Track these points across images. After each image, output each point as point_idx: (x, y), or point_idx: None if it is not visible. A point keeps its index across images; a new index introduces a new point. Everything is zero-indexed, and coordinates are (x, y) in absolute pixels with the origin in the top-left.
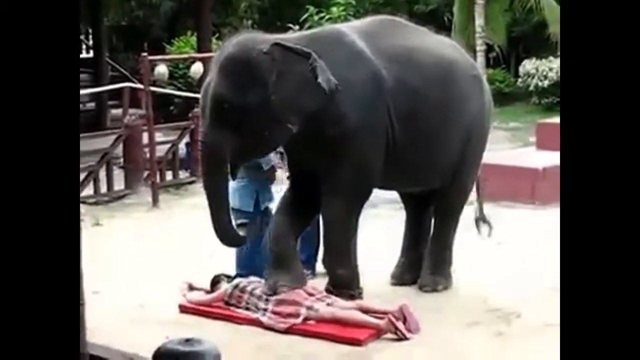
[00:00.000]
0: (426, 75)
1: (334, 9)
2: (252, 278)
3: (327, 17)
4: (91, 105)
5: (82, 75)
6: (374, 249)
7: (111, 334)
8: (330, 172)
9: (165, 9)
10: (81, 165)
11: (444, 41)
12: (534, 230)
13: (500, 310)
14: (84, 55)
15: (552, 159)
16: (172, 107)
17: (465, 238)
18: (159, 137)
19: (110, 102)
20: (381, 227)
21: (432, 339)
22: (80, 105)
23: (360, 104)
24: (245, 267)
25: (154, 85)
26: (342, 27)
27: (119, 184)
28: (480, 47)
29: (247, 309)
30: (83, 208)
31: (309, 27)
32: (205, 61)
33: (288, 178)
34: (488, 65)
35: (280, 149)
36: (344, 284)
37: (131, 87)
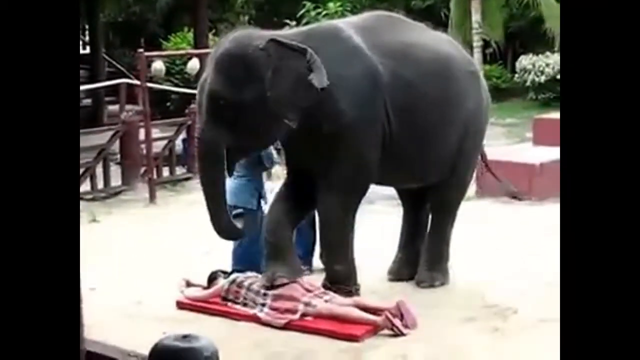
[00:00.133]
0: (423, 71)
1: (331, 5)
2: (249, 273)
3: (324, 13)
4: (88, 101)
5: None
6: (371, 245)
7: (108, 331)
8: (328, 168)
9: (161, 5)
10: None
11: (441, 37)
12: (531, 226)
13: (497, 306)
14: (80, 51)
15: (549, 154)
16: (168, 103)
17: (463, 234)
18: (155, 133)
19: (106, 98)
20: (378, 223)
21: (429, 334)
22: None
23: (356, 99)
24: (242, 262)
25: (150, 81)
26: (338, 22)
27: (115, 180)
28: (477, 42)
29: (245, 304)
30: (80, 204)
31: (306, 23)
32: (202, 57)
33: (287, 174)
34: (485, 61)
35: (278, 145)
36: (341, 280)
37: (128, 83)
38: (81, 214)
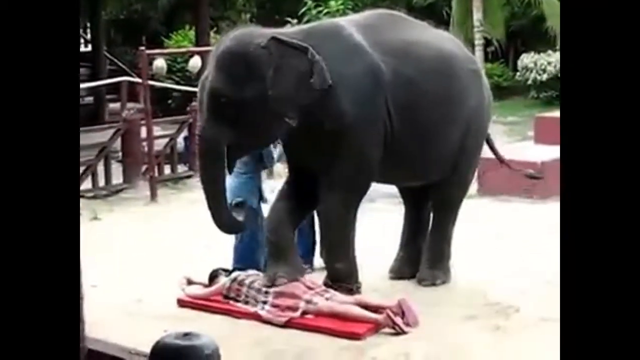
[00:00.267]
0: (425, 69)
1: (332, 3)
2: (251, 271)
3: (326, 11)
4: (89, 99)
5: (80, 69)
6: (372, 243)
7: (109, 329)
8: (329, 166)
9: (163, 3)
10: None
11: (442, 35)
12: (532, 225)
13: (499, 305)
14: (82, 49)
15: (550, 153)
16: (170, 101)
17: (464, 232)
18: (157, 131)
19: (108, 96)
20: (379, 222)
21: (431, 333)
22: None
23: (358, 98)
24: (244, 260)
25: (152, 79)
26: (340, 20)
27: (117, 178)
28: (478, 41)
29: (246, 302)
30: (81, 202)
31: (307, 21)
32: (203, 55)
33: (289, 172)
34: (486, 59)
35: (279, 143)
36: (343, 278)
37: (129, 81)
38: (82, 211)
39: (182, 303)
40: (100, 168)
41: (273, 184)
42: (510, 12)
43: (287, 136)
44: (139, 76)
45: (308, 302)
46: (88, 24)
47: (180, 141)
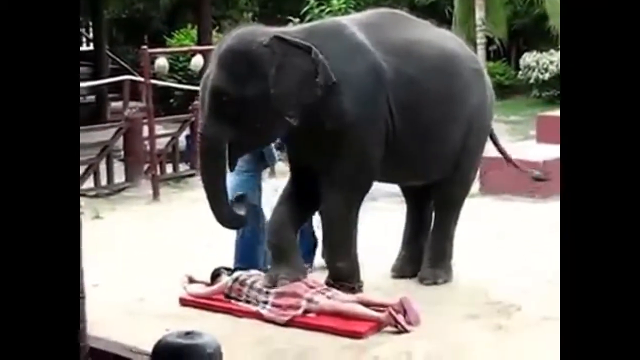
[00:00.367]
0: (427, 68)
1: (335, 2)
2: (252, 271)
3: (328, 9)
4: (91, 98)
5: (82, 68)
6: (374, 242)
7: (111, 327)
8: (331, 165)
9: (165, 2)
10: (81, 158)
11: (445, 34)
12: (534, 224)
13: (501, 303)
14: (84, 48)
15: (552, 152)
16: (172, 100)
17: (466, 231)
18: (159, 129)
19: (110, 95)
20: (381, 221)
21: (432, 331)
22: (81, 98)
23: (360, 96)
24: (245, 256)
25: (154, 78)
26: (342, 19)
27: (119, 177)
28: (480, 40)
29: (248, 302)
30: (83, 201)
31: (309, 20)
32: (205, 54)
33: (290, 171)
34: (488, 58)
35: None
36: (344, 277)
37: (131, 80)
38: (84, 210)
39: (184, 302)
40: (103, 167)
41: (276, 183)
42: (512, 10)
43: (288, 135)
44: (141, 75)
45: (310, 300)
46: (90, 23)
47: (182, 140)
